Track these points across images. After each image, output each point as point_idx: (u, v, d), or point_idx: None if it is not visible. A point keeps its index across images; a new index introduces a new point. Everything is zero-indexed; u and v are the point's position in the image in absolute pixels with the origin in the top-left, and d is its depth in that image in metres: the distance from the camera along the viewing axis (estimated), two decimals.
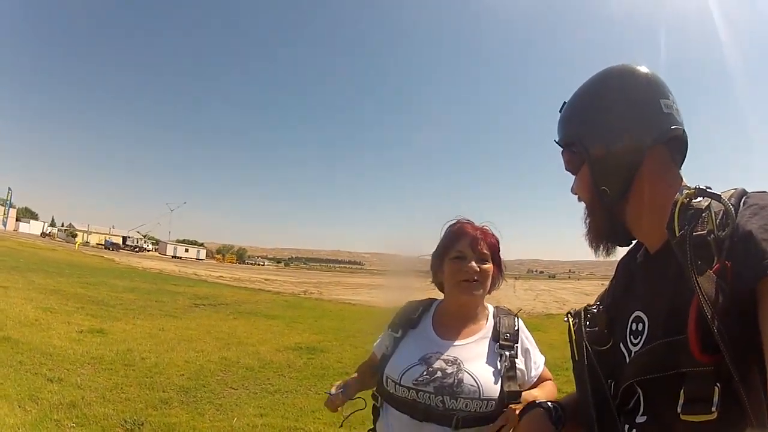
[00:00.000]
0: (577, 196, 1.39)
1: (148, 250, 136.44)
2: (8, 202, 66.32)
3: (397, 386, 1.94)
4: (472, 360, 1.97)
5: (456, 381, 1.89)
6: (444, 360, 1.95)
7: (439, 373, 1.91)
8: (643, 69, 1.28)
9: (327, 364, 9.41)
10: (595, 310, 1.39)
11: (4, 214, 64.02)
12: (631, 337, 1.22)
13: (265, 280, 44.38)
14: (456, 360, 1.95)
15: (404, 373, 1.94)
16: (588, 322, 1.37)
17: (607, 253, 1.36)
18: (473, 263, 2.04)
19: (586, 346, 1.33)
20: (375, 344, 2.27)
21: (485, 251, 2.08)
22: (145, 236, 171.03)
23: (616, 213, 1.28)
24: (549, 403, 1.50)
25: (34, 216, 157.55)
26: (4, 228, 60.66)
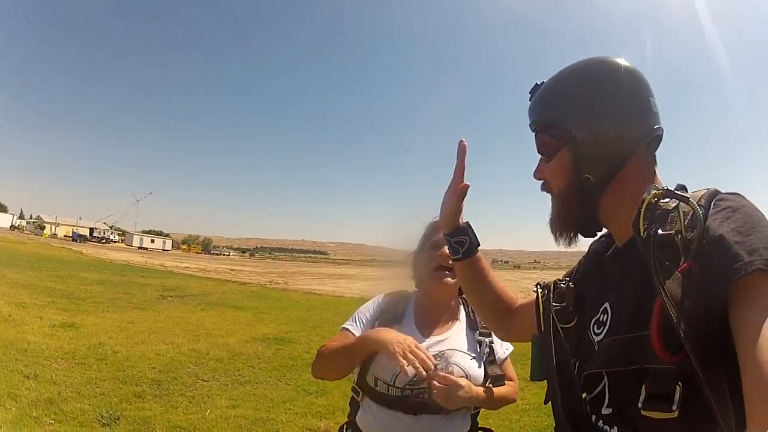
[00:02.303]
0: (542, 181, 1.33)
1: (115, 242, 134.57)
2: None
3: (390, 387, 1.99)
4: (457, 352, 2.07)
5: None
6: (432, 356, 1.99)
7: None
8: (632, 65, 1.22)
9: (295, 355, 9.42)
10: (563, 286, 1.34)
11: None
12: (595, 326, 1.20)
13: (231, 270, 43.99)
14: (443, 355, 2.04)
15: (397, 375, 1.97)
16: (556, 296, 1.33)
17: (569, 243, 1.31)
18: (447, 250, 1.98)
19: (553, 318, 1.30)
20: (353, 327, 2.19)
21: None
22: (111, 227, 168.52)
23: (592, 203, 1.22)
24: None
25: (3, 209, 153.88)
26: None
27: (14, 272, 18.96)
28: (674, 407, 0.90)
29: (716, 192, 1.05)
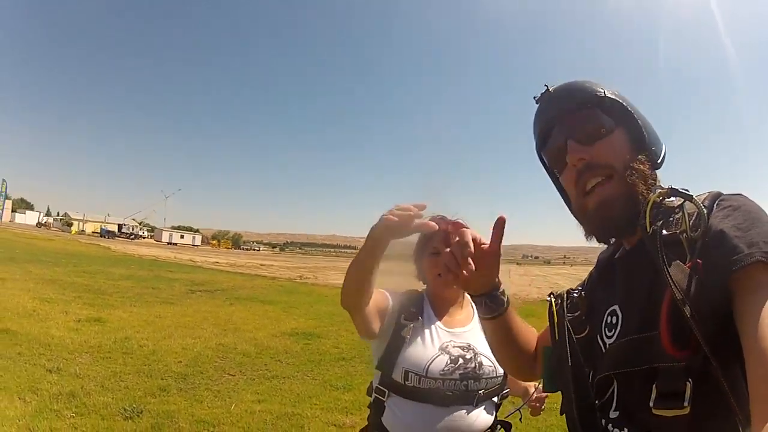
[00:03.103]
0: (580, 165, 1.21)
1: (144, 237, 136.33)
2: (3, 194, 66.01)
3: (422, 379, 2.01)
4: (482, 343, 2.11)
5: (477, 365, 2.06)
6: (460, 347, 2.09)
7: (461, 360, 2.05)
8: None
9: (323, 350, 9.46)
10: (576, 295, 1.37)
11: (0, 205, 63.65)
12: (606, 329, 1.22)
13: (261, 265, 44.34)
14: (470, 346, 2.11)
15: (429, 365, 2.02)
16: (569, 306, 1.36)
17: (615, 234, 1.27)
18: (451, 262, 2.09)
19: (567, 327, 1.33)
20: (390, 294, 2.20)
21: None
22: (140, 223, 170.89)
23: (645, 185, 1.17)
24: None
25: (29, 206, 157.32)
26: (0, 219, 60.19)
27: (40, 268, 19.37)
28: (685, 404, 0.93)
29: (719, 194, 1.10)
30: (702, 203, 1.04)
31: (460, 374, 2.00)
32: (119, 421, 5.21)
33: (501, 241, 1.37)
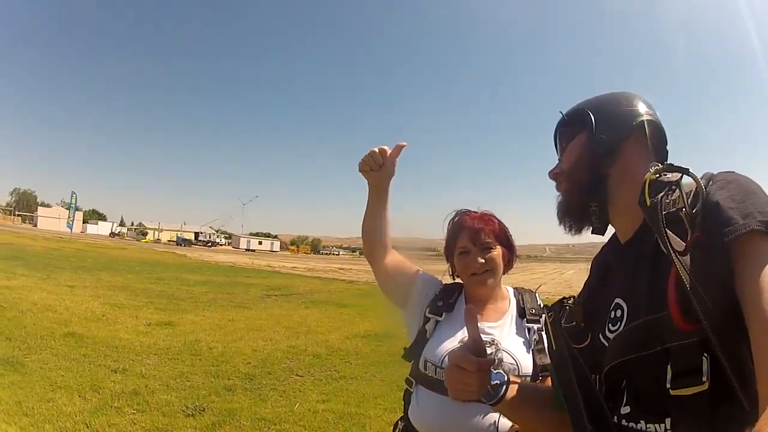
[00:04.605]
0: (556, 181, 1.45)
1: (221, 245, 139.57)
2: (73, 205, 68.45)
3: (437, 370, 2.05)
4: (507, 339, 2.13)
5: (496, 361, 2.01)
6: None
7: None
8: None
9: (394, 351, 9.34)
10: (572, 303, 1.42)
11: (70, 217, 66.02)
12: (609, 324, 1.25)
13: (339, 269, 44.87)
14: (493, 341, 2.08)
15: (446, 357, 2.02)
16: (564, 317, 1.40)
17: (579, 229, 1.40)
18: (478, 257, 2.19)
19: (563, 335, 1.36)
20: (421, 275, 2.38)
21: (489, 239, 2.21)
22: (217, 231, 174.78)
23: (602, 169, 1.33)
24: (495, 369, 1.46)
25: (102, 217, 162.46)
26: (71, 231, 62.46)
27: (112, 276, 20.15)
28: (704, 378, 0.95)
29: (713, 174, 1.15)
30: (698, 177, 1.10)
31: None
32: (180, 418, 5.43)
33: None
